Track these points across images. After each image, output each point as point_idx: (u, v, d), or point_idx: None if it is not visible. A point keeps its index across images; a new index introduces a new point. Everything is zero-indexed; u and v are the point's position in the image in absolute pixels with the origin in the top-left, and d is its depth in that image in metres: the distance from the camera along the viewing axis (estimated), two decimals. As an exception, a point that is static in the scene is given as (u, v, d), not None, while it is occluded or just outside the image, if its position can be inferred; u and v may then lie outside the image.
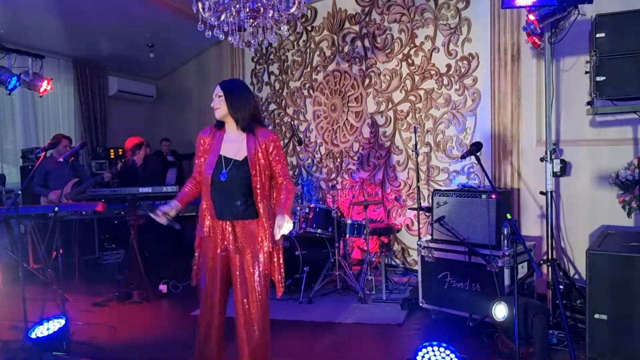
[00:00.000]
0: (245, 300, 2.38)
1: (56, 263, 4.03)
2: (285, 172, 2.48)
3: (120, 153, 6.60)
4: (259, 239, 2.40)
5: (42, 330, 3.05)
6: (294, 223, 5.36)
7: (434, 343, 2.63)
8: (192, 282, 2.55)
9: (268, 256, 2.43)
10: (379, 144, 5.46)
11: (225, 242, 2.41)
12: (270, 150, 2.42)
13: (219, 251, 2.42)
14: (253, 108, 2.46)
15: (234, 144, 2.42)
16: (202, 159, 2.48)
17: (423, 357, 2.60)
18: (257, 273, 2.38)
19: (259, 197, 2.39)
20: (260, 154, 2.39)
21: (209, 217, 2.42)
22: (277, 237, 2.32)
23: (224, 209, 2.39)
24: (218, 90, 2.42)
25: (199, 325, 2.49)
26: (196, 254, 2.51)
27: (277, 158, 2.44)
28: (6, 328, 3.55)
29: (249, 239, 2.40)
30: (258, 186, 2.38)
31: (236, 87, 2.47)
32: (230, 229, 2.40)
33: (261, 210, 2.39)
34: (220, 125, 2.49)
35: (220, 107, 2.41)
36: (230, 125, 2.45)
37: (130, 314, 4.07)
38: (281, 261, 2.50)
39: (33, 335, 3.02)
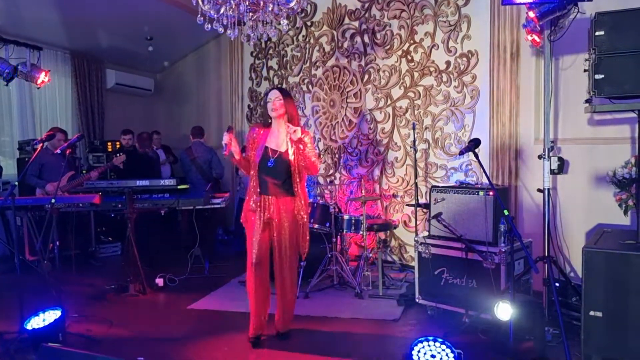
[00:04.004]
0: (281, 260, 3.07)
1: (52, 255, 4.03)
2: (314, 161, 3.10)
3: (118, 146, 6.57)
4: (295, 211, 3.10)
5: (37, 322, 3.06)
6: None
7: (430, 338, 2.64)
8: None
9: (301, 227, 3.15)
10: (377, 140, 5.45)
11: (268, 213, 3.06)
12: (303, 143, 3.03)
13: (264, 219, 3.04)
14: (296, 110, 3.17)
15: (278, 138, 3.10)
16: (252, 151, 3.12)
17: (419, 352, 2.61)
18: (290, 238, 3.09)
19: (295, 180, 3.08)
20: (295, 148, 3.06)
21: (255, 194, 3.06)
22: (295, 134, 2.95)
23: (269, 187, 3.07)
24: (278, 95, 3.07)
25: (248, 277, 3.14)
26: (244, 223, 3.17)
27: (307, 150, 3.06)
28: (2, 319, 3.55)
29: (287, 211, 3.08)
30: (295, 171, 3.07)
31: (289, 94, 3.19)
32: (274, 202, 3.07)
33: (297, 189, 3.09)
34: (267, 123, 3.16)
35: (279, 108, 3.05)
36: (278, 122, 3.11)
37: (127, 307, 4.07)
38: (307, 235, 3.21)
39: (29, 327, 3.03)
